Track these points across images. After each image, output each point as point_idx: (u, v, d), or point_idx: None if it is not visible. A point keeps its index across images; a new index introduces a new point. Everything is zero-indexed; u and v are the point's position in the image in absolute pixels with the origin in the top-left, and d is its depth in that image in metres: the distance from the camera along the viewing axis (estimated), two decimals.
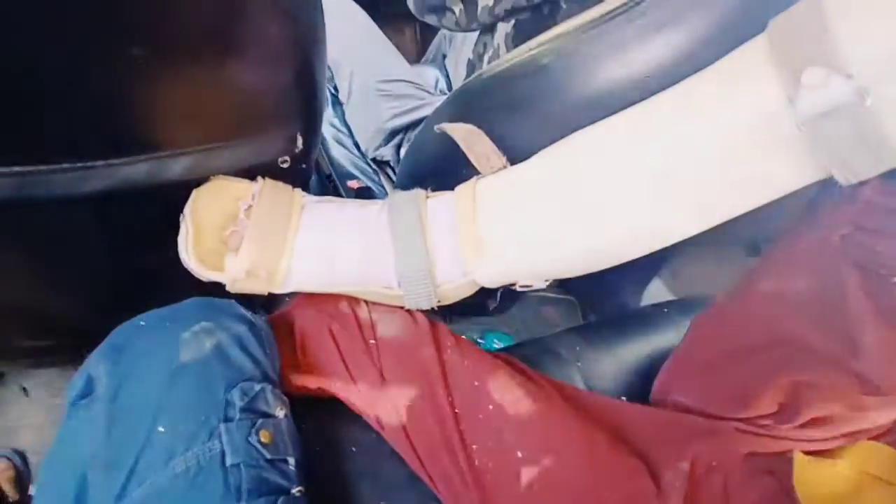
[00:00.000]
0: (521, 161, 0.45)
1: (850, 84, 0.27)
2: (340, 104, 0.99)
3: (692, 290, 1.00)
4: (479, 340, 1.06)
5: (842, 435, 0.42)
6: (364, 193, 0.92)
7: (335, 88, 1.03)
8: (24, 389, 0.79)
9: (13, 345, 0.61)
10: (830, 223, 0.36)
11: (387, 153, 0.94)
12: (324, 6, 1.04)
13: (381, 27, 1.04)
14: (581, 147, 0.40)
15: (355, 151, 0.95)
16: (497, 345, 1.04)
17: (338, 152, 0.95)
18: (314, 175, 1.03)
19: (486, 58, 0.71)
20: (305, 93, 0.40)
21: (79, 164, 0.33)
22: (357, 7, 1.05)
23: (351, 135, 0.96)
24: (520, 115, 0.45)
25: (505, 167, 0.47)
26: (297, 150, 0.44)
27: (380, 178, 0.93)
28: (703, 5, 0.35)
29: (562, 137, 0.42)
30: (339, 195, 1.00)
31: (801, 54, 0.28)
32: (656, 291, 1.01)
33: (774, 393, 0.42)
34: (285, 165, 0.45)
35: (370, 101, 0.94)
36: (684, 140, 0.34)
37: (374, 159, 0.96)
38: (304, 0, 0.35)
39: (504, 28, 0.64)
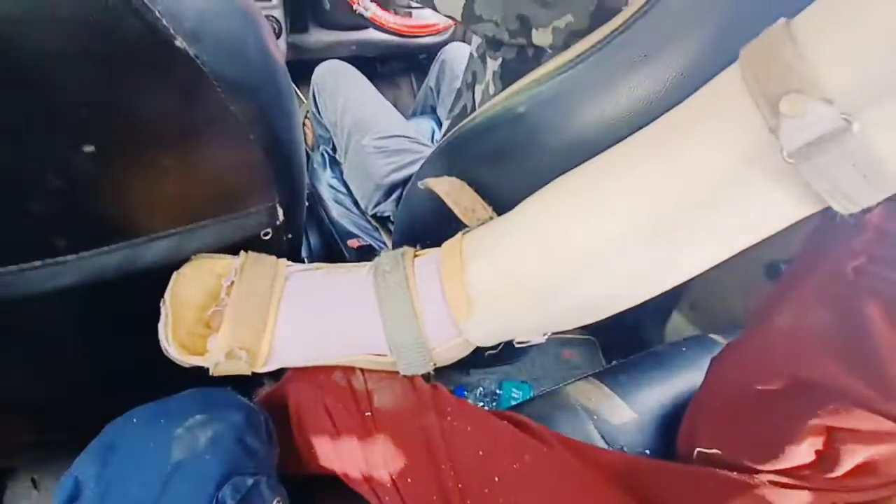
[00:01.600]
0: (507, 211, 0.43)
1: (832, 110, 0.25)
2: (338, 164, 1.00)
3: (714, 320, 0.96)
4: (498, 391, 1.02)
5: (889, 482, 0.37)
6: (365, 251, 0.92)
7: (333, 149, 1.04)
8: (34, 481, 0.78)
9: (17, 441, 0.60)
10: (841, 254, 0.33)
11: (387, 209, 0.94)
12: (320, 70, 1.07)
13: (377, 83, 1.06)
14: (561, 193, 0.38)
15: (355, 210, 0.95)
16: (516, 394, 1.00)
17: (337, 212, 0.95)
18: (315, 237, 1.04)
19: (476, 88, 0.70)
20: (278, 165, 0.39)
21: (48, 261, 0.33)
22: (351, 68, 1.08)
23: (350, 194, 0.97)
24: (501, 165, 0.44)
25: (491, 219, 0.45)
26: (278, 222, 0.43)
27: (380, 235, 0.93)
28: (675, 41, 0.33)
29: (545, 183, 0.40)
30: (341, 256, 0.99)
31: (776, 82, 0.26)
32: (678, 326, 0.97)
33: (809, 439, 0.38)
34: (267, 237, 0.44)
35: (368, 158, 0.95)
36: (670, 179, 0.32)
37: (374, 216, 0.96)
38: (266, 72, 0.35)
39: (492, 66, 0.64)
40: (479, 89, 0.69)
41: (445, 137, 0.53)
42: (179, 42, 0.25)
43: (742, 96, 0.28)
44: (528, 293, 0.39)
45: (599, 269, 0.36)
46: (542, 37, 0.50)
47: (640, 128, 0.34)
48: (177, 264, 0.41)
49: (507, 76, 0.63)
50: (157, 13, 0.25)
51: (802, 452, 0.38)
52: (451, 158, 0.50)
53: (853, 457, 0.37)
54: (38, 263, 0.34)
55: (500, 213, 0.45)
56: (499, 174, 0.45)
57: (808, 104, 0.25)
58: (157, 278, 0.40)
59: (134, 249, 0.37)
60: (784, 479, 0.40)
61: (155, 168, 0.33)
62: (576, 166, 0.38)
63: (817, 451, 0.38)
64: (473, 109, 0.69)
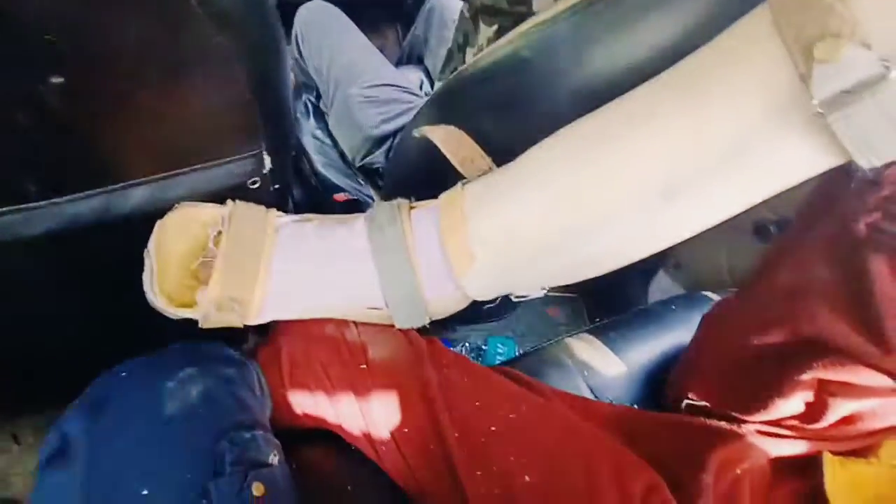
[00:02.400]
0: (507, 162, 0.42)
1: (871, 55, 0.24)
2: (323, 113, 0.96)
3: (700, 280, 0.97)
4: (483, 347, 1.03)
5: (875, 431, 0.39)
6: (351, 206, 0.89)
7: (317, 98, 1.00)
8: (15, 437, 0.76)
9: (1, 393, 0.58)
10: (854, 210, 0.33)
11: (376, 160, 0.91)
12: (304, 12, 1.01)
13: (362, 30, 1.01)
14: (572, 143, 0.36)
15: (340, 162, 0.92)
16: (501, 349, 1.01)
17: (322, 164, 0.92)
18: (299, 189, 1.00)
19: (467, 50, 0.68)
20: (267, 108, 0.37)
21: (18, 207, 0.30)
22: (337, 10, 1.02)
23: (335, 145, 0.93)
24: (503, 114, 0.42)
25: (490, 169, 0.43)
26: (265, 170, 0.41)
27: (368, 188, 0.90)
28: None
29: (550, 133, 0.39)
30: (326, 208, 0.97)
31: (811, 25, 0.25)
32: (663, 284, 0.98)
33: (800, 392, 0.38)
34: (255, 186, 0.42)
35: (356, 108, 0.91)
36: (692, 131, 0.30)
37: (362, 167, 0.93)
38: (256, 15, 0.32)
39: (486, 32, 0.61)
40: (470, 52, 0.66)
41: (442, 84, 0.51)
42: None
43: (771, 40, 0.27)
44: (532, 248, 0.38)
45: (610, 227, 0.35)
46: (544, 3, 0.48)
47: (655, 74, 0.33)
48: (158, 213, 0.39)
49: None
50: None
51: (792, 404, 0.39)
52: (448, 106, 0.48)
53: (841, 409, 0.37)
54: (5, 209, 0.31)
55: (499, 164, 0.43)
56: (501, 123, 0.44)
57: (845, 49, 0.24)
58: (137, 227, 0.37)
59: (111, 196, 0.34)
60: (772, 429, 0.41)
61: (133, 105, 0.30)
62: (583, 115, 0.37)
63: (807, 403, 0.39)
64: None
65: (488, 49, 0.42)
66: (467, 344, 1.05)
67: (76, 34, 0.24)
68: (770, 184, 0.30)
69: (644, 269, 1.04)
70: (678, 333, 0.60)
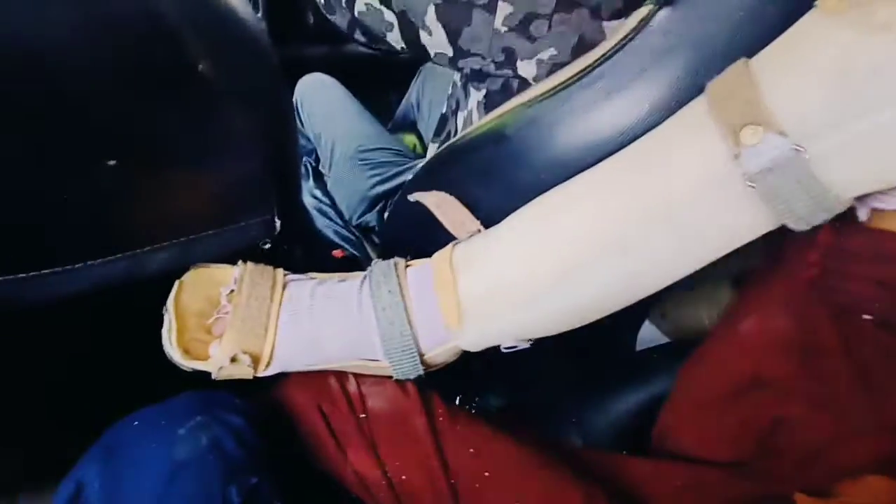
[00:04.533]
0: (494, 224, 0.46)
1: (785, 141, 0.29)
2: (322, 176, 1.02)
3: (684, 329, 1.00)
4: (476, 400, 1.04)
5: (835, 472, 0.41)
6: (349, 262, 0.93)
7: (316, 161, 1.06)
8: (12, 499, 0.75)
9: (6, 456, 0.59)
10: (797, 266, 0.37)
11: (371, 220, 0.96)
12: (303, 83, 1.08)
13: (358, 96, 1.08)
14: (542, 212, 0.41)
15: (338, 221, 0.97)
16: (494, 403, 1.02)
17: (321, 223, 0.96)
18: (299, 247, 1.05)
19: (460, 115, 0.73)
20: (278, 178, 0.41)
21: (57, 269, 0.34)
22: (333, 81, 1.10)
23: (333, 205, 0.98)
24: (488, 182, 0.47)
25: (479, 231, 0.48)
26: (276, 233, 0.45)
27: (364, 246, 0.95)
28: (649, 74, 0.37)
29: (529, 200, 0.43)
30: (324, 265, 1.00)
31: (737, 115, 0.30)
32: (649, 333, 1.01)
33: (759, 434, 0.41)
34: (267, 247, 0.46)
35: (352, 170, 0.97)
36: (638, 201, 0.35)
37: (358, 226, 0.98)
38: (270, 92, 0.37)
39: (476, 96, 0.67)
40: (461, 116, 0.72)
41: (434, 155, 0.56)
42: (202, 66, 0.27)
43: (708, 126, 0.32)
44: (513, 302, 0.42)
45: (575, 281, 0.39)
46: (526, 68, 0.54)
47: (617, 150, 0.38)
48: (179, 273, 0.43)
49: (491, 107, 0.66)
50: (183, 36, 0.27)
51: (751, 446, 0.42)
52: (439, 174, 0.53)
53: (798, 447, 0.40)
54: (47, 271, 0.35)
55: (487, 226, 0.48)
56: (485, 190, 0.48)
57: (764, 135, 0.29)
58: (159, 286, 0.41)
59: (139, 258, 0.38)
60: (738, 472, 0.44)
61: (164, 180, 0.35)
62: (558, 184, 0.42)
63: (773, 445, 0.42)
64: (456, 134, 0.72)
65: (475, 125, 0.48)
66: (461, 395, 1.06)
67: (130, 124, 0.29)
68: (717, 246, 0.35)
69: (631, 320, 1.07)
70: (662, 382, 0.63)
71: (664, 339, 1.04)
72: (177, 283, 0.43)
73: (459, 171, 0.50)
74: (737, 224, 0.33)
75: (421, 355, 0.45)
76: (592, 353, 1.10)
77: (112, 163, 0.29)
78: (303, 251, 0.99)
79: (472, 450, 0.45)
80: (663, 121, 0.36)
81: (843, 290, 0.35)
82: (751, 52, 0.32)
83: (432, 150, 0.85)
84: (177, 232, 0.39)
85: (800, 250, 0.38)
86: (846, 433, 0.37)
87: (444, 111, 0.80)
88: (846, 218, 0.33)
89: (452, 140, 0.51)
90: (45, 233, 0.33)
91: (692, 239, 0.34)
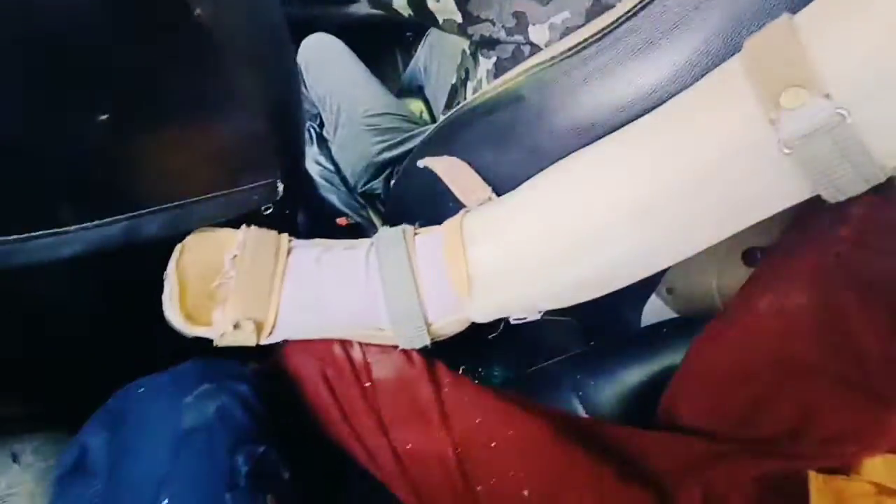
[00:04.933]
0: (506, 192, 0.44)
1: (830, 104, 0.27)
2: (326, 141, 1.00)
3: (692, 304, 0.99)
4: (480, 371, 1.04)
5: (856, 450, 0.40)
6: (353, 230, 0.92)
7: (320, 125, 1.03)
8: (14, 456, 0.76)
9: (2, 412, 0.59)
10: (825, 239, 0.35)
11: (377, 186, 0.94)
12: (307, 44, 1.05)
13: (363, 58, 1.05)
14: (564, 177, 0.39)
15: (343, 188, 0.95)
16: (497, 374, 1.02)
17: (325, 189, 0.94)
18: (303, 214, 1.03)
19: (469, 85, 0.71)
20: (282, 141, 0.40)
21: (51, 231, 0.33)
22: (339, 43, 1.06)
23: (338, 171, 0.96)
24: (502, 147, 0.45)
25: (490, 199, 0.46)
26: (278, 197, 0.44)
27: (369, 213, 0.93)
28: (679, 31, 0.35)
29: (546, 166, 0.42)
30: (329, 233, 0.99)
31: (778, 76, 0.28)
32: (656, 309, 1.00)
33: (782, 412, 0.41)
34: (269, 212, 0.44)
35: (358, 136, 0.94)
36: (667, 167, 0.33)
37: (363, 193, 0.96)
38: (275, 50, 0.35)
39: (486, 65, 0.65)
40: (470, 86, 0.69)
41: (445, 118, 0.54)
42: (199, 11, 0.25)
43: (744, 88, 0.30)
44: (527, 273, 0.41)
45: (593, 251, 0.38)
46: (538, 34, 0.51)
47: (644, 113, 0.36)
48: (178, 237, 0.41)
49: (501, 73, 0.63)
50: None
51: (774, 424, 0.41)
52: (450, 139, 0.51)
53: (819, 428, 0.39)
54: (41, 233, 0.33)
55: (498, 194, 0.46)
56: (499, 156, 0.46)
57: (806, 98, 0.27)
58: (158, 251, 0.40)
59: (137, 221, 0.37)
60: (757, 448, 0.43)
61: (162, 138, 0.33)
62: (577, 149, 0.40)
63: (788, 423, 0.41)
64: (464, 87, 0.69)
65: (490, 86, 0.45)
66: (464, 366, 1.06)
67: (122, 75, 0.27)
68: (745, 215, 0.33)
69: (637, 293, 1.06)
70: (670, 356, 0.62)
71: (671, 315, 1.03)
72: (178, 246, 0.42)
73: (471, 136, 0.48)
74: (769, 193, 0.31)
75: (428, 325, 0.44)
76: (600, 326, 1.10)
77: (104, 117, 0.28)
78: (306, 218, 0.98)
79: (478, 420, 0.44)
80: (694, 82, 0.33)
81: (874, 266, 0.33)
82: (793, 7, 0.30)
83: (442, 120, 0.82)
84: (175, 194, 0.37)
85: (828, 224, 0.36)
86: (873, 413, 0.36)
87: (453, 82, 0.78)
88: (881, 190, 0.31)
89: (464, 103, 0.49)
90: (36, 193, 0.32)
91: (720, 208, 0.33)
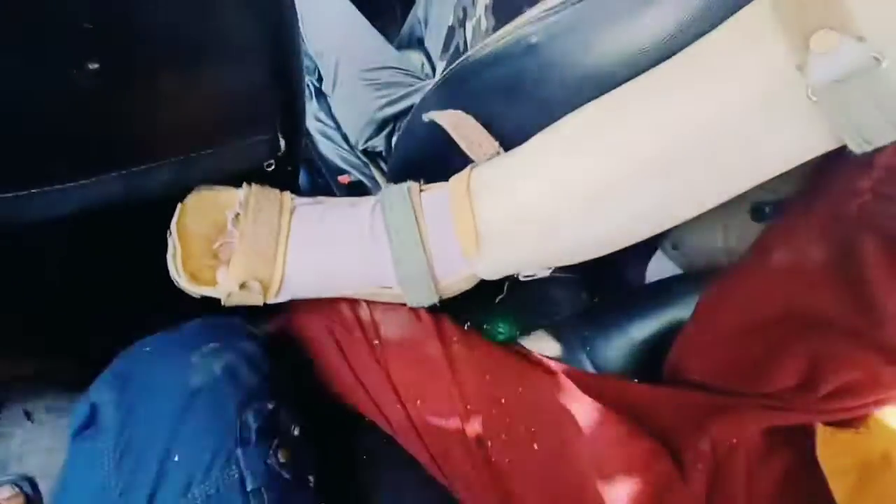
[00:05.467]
0: (514, 146, 0.43)
1: (863, 47, 0.25)
2: (325, 97, 0.97)
3: (697, 260, 0.99)
4: (485, 327, 1.04)
5: (865, 404, 0.41)
6: (355, 188, 0.90)
7: (319, 80, 1.00)
8: (27, 413, 0.78)
9: (12, 369, 0.59)
10: (846, 191, 0.34)
11: (378, 144, 0.92)
12: None
13: (362, 8, 1.01)
14: (576, 129, 0.38)
15: (344, 145, 0.93)
16: (502, 330, 1.03)
17: (325, 147, 0.92)
18: (303, 172, 1.01)
19: (468, 25, 0.67)
20: (283, 93, 0.38)
21: (49, 188, 0.32)
22: None
23: (338, 128, 0.94)
24: (511, 99, 0.43)
25: (498, 153, 0.45)
26: (280, 152, 0.42)
27: (371, 171, 0.91)
28: None
29: (557, 118, 0.40)
30: (330, 191, 0.98)
31: (808, 18, 0.26)
32: (660, 265, 0.99)
33: (793, 366, 0.41)
34: (271, 168, 0.43)
35: (358, 91, 0.91)
36: (688, 115, 0.32)
37: (364, 151, 0.94)
38: (274, 5, 0.33)
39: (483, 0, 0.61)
40: (469, 25, 0.66)
41: (449, 69, 0.51)
42: None
43: (770, 30, 0.28)
44: (537, 229, 0.40)
45: (606, 206, 0.37)
46: None
47: (662, 60, 0.34)
48: (179, 193, 0.40)
49: (500, 8, 0.60)
50: None
51: (785, 377, 0.41)
52: (456, 91, 0.49)
53: (830, 381, 0.39)
54: (37, 190, 0.32)
55: (507, 148, 0.44)
56: (507, 108, 0.45)
57: (838, 41, 0.25)
58: (160, 207, 0.39)
59: (136, 177, 0.36)
60: (766, 402, 0.43)
61: (158, 89, 0.32)
62: (591, 100, 0.38)
63: (800, 377, 0.41)
64: (466, 48, 0.66)
65: (495, 35, 0.43)
66: (469, 322, 1.07)
67: (111, 19, 0.25)
68: (766, 167, 0.32)
69: (642, 250, 1.05)
70: (677, 311, 0.62)
71: (676, 271, 1.03)
72: (179, 206, 0.41)
73: (478, 88, 0.46)
74: (793, 143, 0.30)
75: (436, 282, 0.43)
76: (603, 282, 1.10)
77: (93, 65, 0.26)
78: (307, 176, 0.96)
79: (487, 376, 0.44)
80: (716, 25, 0.31)
81: (893, 216, 0.32)
82: None
83: (441, 67, 0.79)
84: (175, 148, 0.36)
85: (848, 176, 0.35)
86: (884, 369, 0.36)
87: (450, 23, 0.74)
88: None
89: (469, 53, 0.46)
90: (33, 148, 0.30)
91: (741, 158, 0.31)
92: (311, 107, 0.97)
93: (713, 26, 0.32)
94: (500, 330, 1.04)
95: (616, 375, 0.57)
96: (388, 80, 0.89)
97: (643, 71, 0.35)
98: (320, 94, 0.97)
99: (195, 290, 0.41)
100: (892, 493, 0.37)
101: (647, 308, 0.63)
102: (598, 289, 1.13)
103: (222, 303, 0.41)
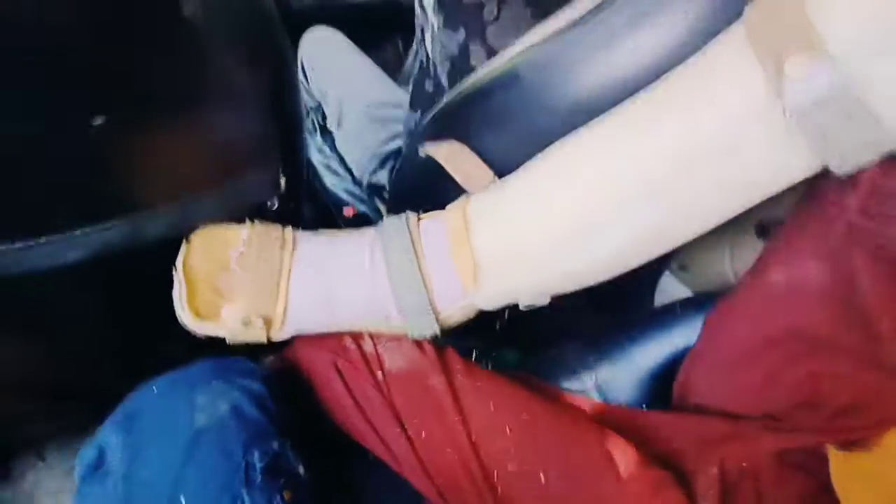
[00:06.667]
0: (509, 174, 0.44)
1: (837, 70, 0.26)
2: (329, 132, 0.99)
3: (706, 281, 0.98)
4: (493, 353, 1.04)
5: (872, 423, 0.40)
6: (360, 220, 0.92)
7: (323, 118, 1.03)
8: (39, 454, 0.78)
9: (24, 411, 0.60)
10: (836, 210, 0.34)
11: (382, 178, 0.94)
12: (307, 38, 1.04)
13: (365, 46, 1.04)
14: (565, 158, 0.39)
15: (348, 178, 0.95)
16: (511, 358, 1.02)
17: (330, 180, 0.94)
18: (308, 206, 1.03)
19: (426, 37, 0.66)
20: (281, 133, 0.39)
21: (54, 237, 0.33)
22: (339, 35, 1.05)
23: (342, 161, 0.96)
24: (502, 129, 0.45)
25: (493, 182, 0.46)
26: (282, 191, 0.44)
27: (375, 203, 0.93)
28: (672, 4, 0.34)
29: (548, 145, 0.41)
30: (335, 224, 0.99)
31: (781, 43, 0.27)
32: (670, 287, 0.99)
33: (794, 386, 0.40)
34: (273, 207, 0.44)
35: (362, 127, 0.93)
36: (670, 142, 0.32)
37: (369, 184, 0.96)
38: (268, 47, 0.35)
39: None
40: (428, 36, 0.66)
41: (443, 103, 0.52)
42: (188, 9, 0.25)
43: (745, 55, 0.29)
44: (533, 258, 0.40)
45: (599, 233, 0.37)
46: None
47: (644, 88, 0.35)
48: (182, 236, 0.41)
49: (443, 7, 0.59)
50: None
51: (787, 397, 0.41)
52: (448, 124, 0.50)
53: (832, 401, 0.39)
54: (43, 240, 0.33)
55: (501, 178, 0.45)
56: (499, 138, 0.46)
57: (811, 64, 0.26)
58: (163, 250, 0.40)
59: (138, 223, 0.37)
60: (772, 424, 0.42)
61: (159, 138, 0.33)
62: (578, 127, 0.39)
63: (805, 397, 0.40)
64: (428, 60, 0.66)
65: (483, 69, 0.44)
66: (476, 351, 1.06)
67: (117, 75, 0.26)
68: (752, 191, 0.32)
69: (650, 272, 1.04)
70: (684, 335, 0.61)
71: (685, 293, 1.02)
72: (184, 243, 0.42)
73: (469, 121, 0.47)
74: (777, 166, 0.30)
75: (437, 314, 0.43)
76: (612, 307, 1.09)
77: (100, 120, 0.27)
78: (312, 209, 0.98)
79: (492, 406, 0.44)
80: (695, 52, 0.32)
81: (885, 234, 0.32)
82: None
83: (411, 86, 0.78)
84: (176, 194, 0.37)
85: (838, 193, 0.35)
86: (888, 386, 0.35)
87: (415, 48, 0.73)
88: (892, 154, 0.30)
89: (460, 86, 0.48)
90: (39, 197, 0.32)
91: (725, 184, 0.32)
92: (316, 140, 0.99)
93: (692, 53, 0.33)
94: (509, 357, 1.03)
95: (623, 402, 0.56)
96: (389, 117, 0.91)
97: (627, 97, 0.36)
98: (325, 130, 0.99)
99: (200, 328, 0.41)
100: None
101: (653, 334, 0.62)
102: (606, 313, 1.12)
103: (227, 341, 0.42)
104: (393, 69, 1.28)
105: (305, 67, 1.05)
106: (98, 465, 0.38)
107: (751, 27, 0.29)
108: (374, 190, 0.93)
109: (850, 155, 0.28)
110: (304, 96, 1.07)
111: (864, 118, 0.26)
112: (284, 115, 0.40)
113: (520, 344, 1.05)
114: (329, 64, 1.01)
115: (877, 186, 0.32)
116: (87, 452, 0.38)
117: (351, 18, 1.34)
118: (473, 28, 0.53)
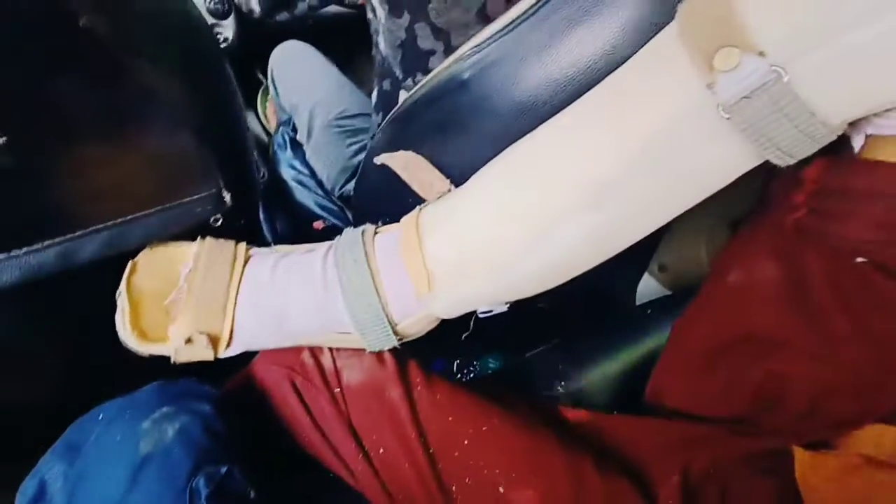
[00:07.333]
0: (464, 182, 0.43)
1: (764, 62, 0.25)
2: (300, 145, 0.98)
3: (683, 280, 0.97)
4: (475, 361, 1.03)
5: (835, 424, 0.39)
6: (330, 233, 0.91)
7: (294, 131, 1.02)
8: None
9: None
10: (784, 206, 0.34)
11: (352, 189, 0.93)
12: (276, 53, 1.03)
13: (337, 58, 1.03)
14: (513, 163, 0.38)
15: (318, 191, 0.94)
16: (493, 364, 1.01)
17: (301, 194, 0.93)
18: (283, 221, 1.02)
19: (379, 37, 0.66)
20: (219, 147, 0.38)
21: None
22: (309, 48, 1.05)
23: (313, 175, 0.95)
24: (453, 135, 0.44)
25: (449, 191, 0.45)
26: (225, 207, 0.42)
27: (346, 215, 0.92)
28: (610, 1, 0.33)
29: (500, 149, 0.40)
30: (309, 239, 0.98)
31: (711, 38, 0.27)
32: (649, 288, 0.98)
33: (755, 387, 0.39)
34: (218, 224, 0.43)
35: (331, 140, 0.93)
36: (613, 143, 0.32)
37: (341, 196, 0.95)
38: (197, 60, 0.34)
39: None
40: (380, 35, 0.65)
41: (394, 111, 0.52)
42: (85, 20, 0.24)
43: (680, 53, 0.29)
44: (485, 264, 0.39)
45: (552, 237, 0.36)
46: None
47: (587, 86, 0.34)
48: (120, 257, 0.40)
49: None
50: None
51: (746, 400, 0.40)
52: (400, 132, 0.50)
53: (791, 402, 0.38)
54: None
55: (457, 185, 0.44)
56: (450, 144, 0.45)
57: (740, 58, 0.26)
58: (99, 272, 0.38)
59: (71, 244, 0.35)
60: (736, 427, 0.42)
61: (79, 156, 0.32)
62: (526, 129, 0.38)
63: (767, 399, 0.39)
64: (384, 59, 0.65)
65: (430, 75, 0.44)
66: (459, 359, 1.05)
67: (17, 95, 0.25)
68: (697, 187, 0.31)
69: (629, 273, 1.04)
70: (653, 339, 0.60)
71: (665, 293, 1.02)
72: (130, 263, 0.41)
73: (419, 127, 0.46)
74: (718, 161, 0.30)
75: (393, 325, 0.42)
76: (590, 312, 1.08)
77: (1, 140, 0.26)
78: (285, 224, 0.96)
79: (450, 418, 0.43)
80: (636, 48, 0.32)
81: (832, 232, 0.32)
82: None
83: (375, 91, 0.77)
84: (107, 214, 0.36)
85: (785, 191, 0.35)
86: (846, 384, 0.34)
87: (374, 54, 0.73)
88: (836, 151, 0.29)
89: (409, 95, 0.47)
90: None
91: (672, 180, 0.31)
92: (286, 155, 0.98)
93: (634, 51, 0.33)
94: (490, 364, 1.02)
95: (594, 408, 0.55)
96: (361, 127, 0.91)
97: (570, 98, 0.35)
98: (295, 143, 0.99)
99: (144, 349, 0.40)
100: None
101: (624, 338, 0.61)
102: (587, 315, 1.11)
103: (172, 360, 0.41)
104: (365, 81, 1.28)
105: (276, 82, 1.05)
106: (39, 499, 0.36)
107: (682, 23, 0.29)
108: (346, 202, 0.93)
109: (788, 147, 0.27)
110: (276, 109, 1.06)
111: (798, 110, 0.26)
112: (223, 133, 0.39)
113: (501, 350, 1.04)
114: (298, 76, 1.00)
115: (821, 184, 0.31)
116: (28, 485, 0.37)
117: (325, 32, 1.34)
118: (415, 9, 0.55)
